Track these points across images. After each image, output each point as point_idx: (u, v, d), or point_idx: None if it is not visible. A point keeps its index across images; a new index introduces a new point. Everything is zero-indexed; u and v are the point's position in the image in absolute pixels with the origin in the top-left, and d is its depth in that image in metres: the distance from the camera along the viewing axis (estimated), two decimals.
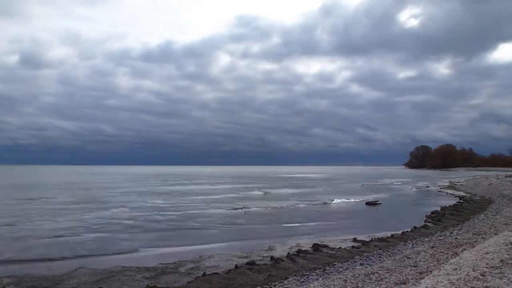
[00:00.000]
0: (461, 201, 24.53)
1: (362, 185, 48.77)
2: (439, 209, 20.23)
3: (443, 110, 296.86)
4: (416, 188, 41.69)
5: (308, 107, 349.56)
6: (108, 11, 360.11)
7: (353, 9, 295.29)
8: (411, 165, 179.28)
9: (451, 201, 24.58)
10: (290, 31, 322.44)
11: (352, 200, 27.85)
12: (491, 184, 36.76)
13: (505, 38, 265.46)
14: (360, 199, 27.54)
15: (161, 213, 19.82)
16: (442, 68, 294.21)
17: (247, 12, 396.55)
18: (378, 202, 25.38)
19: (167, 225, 16.29)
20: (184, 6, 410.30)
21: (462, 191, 33.80)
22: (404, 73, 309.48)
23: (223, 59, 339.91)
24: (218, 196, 30.16)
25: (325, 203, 25.93)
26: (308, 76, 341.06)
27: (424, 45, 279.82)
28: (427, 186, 43.59)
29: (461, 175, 73.40)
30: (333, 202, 26.61)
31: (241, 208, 22.01)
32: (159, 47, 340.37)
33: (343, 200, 27.87)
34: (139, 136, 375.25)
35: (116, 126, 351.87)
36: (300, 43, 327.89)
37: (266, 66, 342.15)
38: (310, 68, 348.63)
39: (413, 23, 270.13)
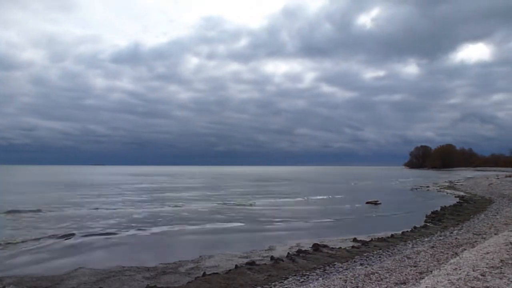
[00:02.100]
0: (461, 201, 24.51)
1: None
2: (439, 209, 20.22)
3: (422, 110, 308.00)
4: (416, 188, 41.67)
5: (285, 107, 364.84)
6: (81, 16, 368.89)
7: (315, 12, 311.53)
8: (411, 165, 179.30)
9: (451, 201, 24.57)
10: (255, 33, 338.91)
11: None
12: (491, 184, 36.76)
13: (466, 39, 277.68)
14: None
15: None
16: (409, 69, 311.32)
17: (213, 14, 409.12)
18: (378, 202, 25.38)
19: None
20: (152, 9, 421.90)
21: (462, 191, 33.80)
22: (371, 74, 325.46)
23: (191, 60, 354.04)
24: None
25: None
26: (277, 76, 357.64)
27: (386, 46, 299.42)
28: (427, 186, 43.58)
29: (461, 175, 73.36)
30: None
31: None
32: (128, 49, 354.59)
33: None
34: (131, 136, 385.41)
35: (105, 126, 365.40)
36: (266, 45, 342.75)
37: (234, 67, 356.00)
38: (278, 68, 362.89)
39: (373, 25, 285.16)
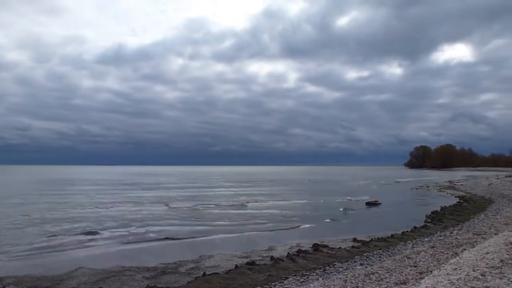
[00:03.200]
0: (461, 201, 24.52)
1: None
2: (439, 209, 20.22)
3: (411, 109, 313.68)
4: (416, 188, 41.68)
5: (274, 107, 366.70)
6: (67, 17, 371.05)
7: (295, 14, 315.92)
8: (411, 165, 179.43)
9: (451, 201, 24.57)
10: (238, 35, 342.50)
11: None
12: (491, 184, 36.76)
13: (445, 40, 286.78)
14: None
15: None
16: (392, 69, 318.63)
17: (196, 16, 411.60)
18: (378, 202, 25.38)
19: None
20: (136, 10, 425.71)
21: (462, 191, 33.80)
22: (355, 74, 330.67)
23: (175, 61, 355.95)
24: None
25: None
26: (261, 77, 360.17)
27: (367, 48, 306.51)
28: (427, 186, 43.58)
29: (461, 175, 73.36)
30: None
31: None
32: (113, 50, 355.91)
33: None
34: (126, 136, 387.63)
35: (99, 126, 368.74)
36: (249, 47, 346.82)
37: (218, 67, 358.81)
38: (262, 69, 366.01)
39: (352, 27, 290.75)
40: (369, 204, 24.91)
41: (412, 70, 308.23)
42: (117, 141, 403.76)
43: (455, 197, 28.26)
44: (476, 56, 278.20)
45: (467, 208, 20.19)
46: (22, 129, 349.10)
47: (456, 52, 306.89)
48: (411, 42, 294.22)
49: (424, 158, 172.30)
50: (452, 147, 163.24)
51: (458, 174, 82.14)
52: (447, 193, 32.76)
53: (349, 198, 29.32)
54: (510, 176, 47.64)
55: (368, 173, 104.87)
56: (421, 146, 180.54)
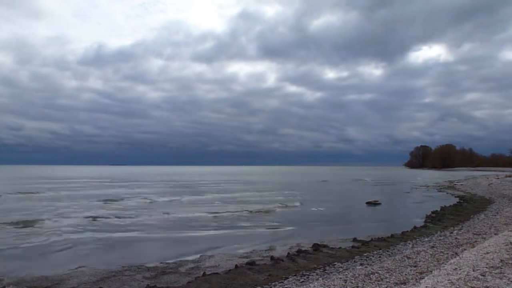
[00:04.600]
0: (461, 201, 24.50)
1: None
2: (439, 209, 20.22)
3: (398, 109, 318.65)
4: (416, 188, 41.69)
5: (259, 107, 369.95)
6: (49, 19, 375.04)
7: (271, 17, 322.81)
8: (411, 165, 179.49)
9: (451, 201, 24.57)
10: (216, 36, 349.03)
11: None
12: (491, 184, 36.74)
13: (419, 40, 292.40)
14: None
15: None
16: (370, 70, 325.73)
17: (175, 17, 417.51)
18: (378, 202, 25.39)
19: None
20: (116, 12, 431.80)
21: (462, 191, 33.80)
22: (333, 74, 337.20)
23: (155, 62, 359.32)
24: None
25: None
26: (241, 77, 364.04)
27: (343, 50, 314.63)
28: (427, 186, 43.58)
29: (461, 175, 73.35)
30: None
31: None
32: (94, 51, 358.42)
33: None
34: (121, 136, 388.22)
35: (92, 126, 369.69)
36: (228, 48, 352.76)
37: (197, 68, 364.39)
38: (241, 70, 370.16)
39: (327, 30, 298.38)
40: (369, 204, 24.92)
41: (390, 71, 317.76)
42: (114, 141, 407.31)
43: (455, 197, 28.25)
44: (452, 56, 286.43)
45: (467, 208, 20.19)
46: (16, 129, 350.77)
47: (432, 53, 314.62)
48: (384, 44, 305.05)
49: (424, 158, 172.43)
50: (452, 147, 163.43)
51: (458, 174, 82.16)
52: (447, 193, 32.75)
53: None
54: (510, 176, 47.60)
55: (375, 173, 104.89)
56: (421, 146, 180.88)
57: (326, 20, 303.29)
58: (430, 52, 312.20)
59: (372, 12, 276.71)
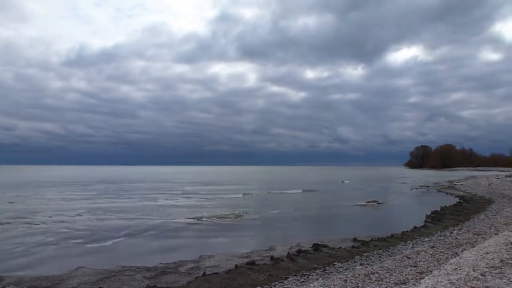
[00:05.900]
0: (461, 201, 24.51)
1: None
2: (439, 209, 20.21)
3: (384, 109, 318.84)
4: (416, 188, 41.68)
5: (245, 107, 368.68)
6: (33, 21, 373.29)
7: (249, 19, 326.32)
8: (411, 165, 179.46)
9: (451, 201, 24.56)
10: (196, 37, 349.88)
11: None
12: (491, 184, 36.73)
13: (395, 41, 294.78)
14: None
15: None
16: (349, 71, 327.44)
17: (156, 20, 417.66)
18: (378, 202, 25.39)
19: None
20: (99, 14, 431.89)
21: (462, 191, 33.78)
22: (313, 74, 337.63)
23: (138, 63, 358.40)
24: None
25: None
26: (223, 77, 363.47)
27: (321, 51, 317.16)
28: (427, 186, 43.58)
29: (461, 175, 73.32)
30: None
31: None
32: (77, 52, 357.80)
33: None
34: (115, 136, 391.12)
35: (85, 126, 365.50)
36: (208, 49, 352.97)
37: (179, 69, 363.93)
38: (223, 70, 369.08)
39: (304, 32, 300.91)
40: (369, 203, 24.91)
41: (369, 71, 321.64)
42: (109, 141, 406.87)
43: (455, 197, 28.25)
44: (431, 57, 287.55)
45: (467, 208, 20.19)
46: (9, 129, 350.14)
47: (411, 53, 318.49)
48: (361, 45, 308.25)
49: (424, 158, 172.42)
50: (452, 147, 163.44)
51: (458, 174, 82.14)
52: (447, 193, 32.73)
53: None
54: (510, 176, 47.57)
55: (376, 173, 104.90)
56: (421, 146, 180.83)
57: (302, 22, 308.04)
58: (408, 53, 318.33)
59: (346, 15, 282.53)
